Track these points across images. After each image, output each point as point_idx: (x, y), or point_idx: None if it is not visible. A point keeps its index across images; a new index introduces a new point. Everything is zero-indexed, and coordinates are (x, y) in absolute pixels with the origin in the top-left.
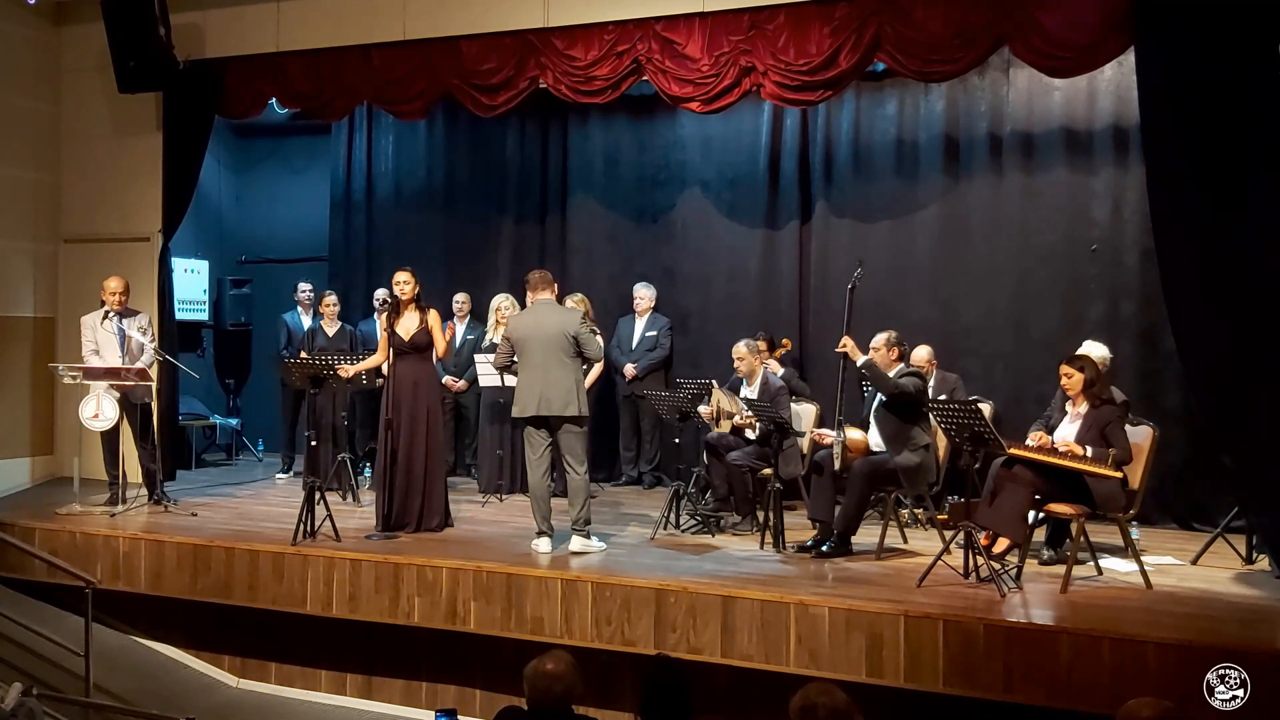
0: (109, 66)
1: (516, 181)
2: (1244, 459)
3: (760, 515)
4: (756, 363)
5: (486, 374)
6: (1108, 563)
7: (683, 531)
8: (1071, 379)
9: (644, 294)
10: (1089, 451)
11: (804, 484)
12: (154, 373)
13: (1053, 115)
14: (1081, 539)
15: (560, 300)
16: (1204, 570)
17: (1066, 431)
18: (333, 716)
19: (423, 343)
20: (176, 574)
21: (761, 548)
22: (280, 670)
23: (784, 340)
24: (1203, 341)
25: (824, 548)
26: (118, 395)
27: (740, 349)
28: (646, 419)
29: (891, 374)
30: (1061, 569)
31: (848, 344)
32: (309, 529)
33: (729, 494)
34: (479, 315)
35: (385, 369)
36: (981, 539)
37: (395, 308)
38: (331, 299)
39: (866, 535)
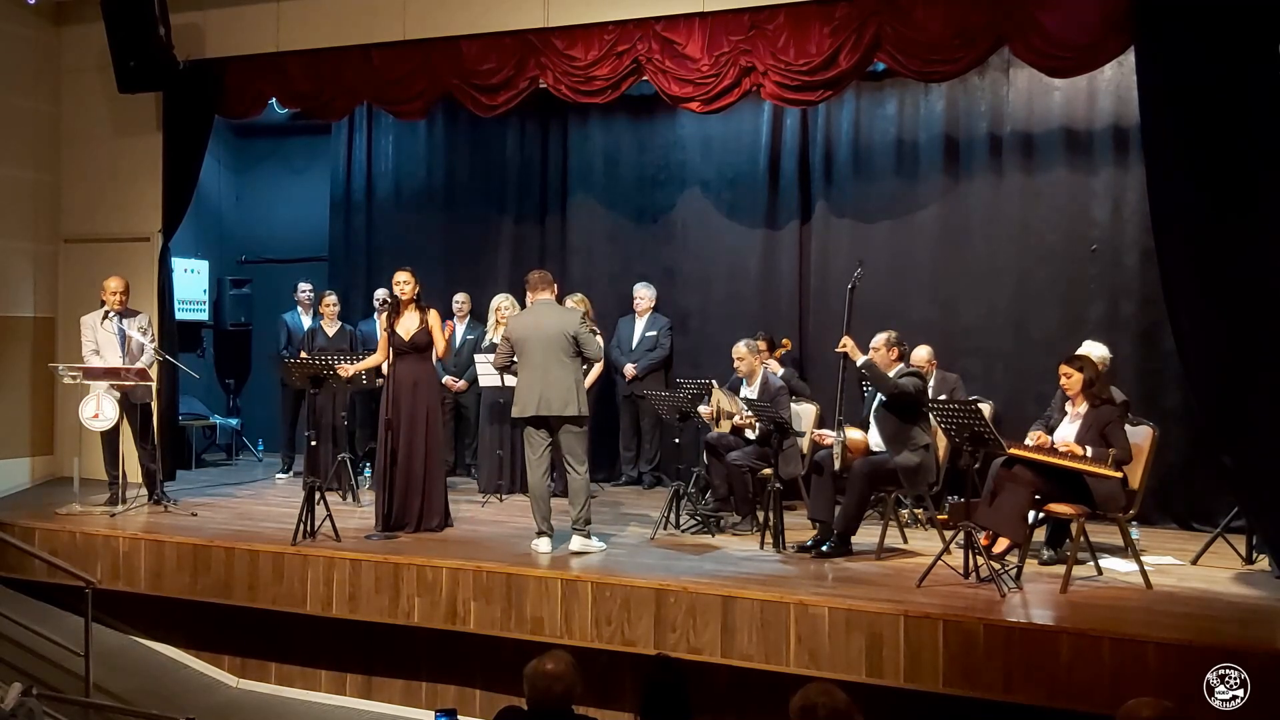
0: (109, 66)
1: (516, 181)
2: (1244, 459)
3: (760, 515)
4: (756, 363)
5: (486, 374)
6: (1108, 563)
7: (683, 531)
8: (1070, 379)
9: (644, 294)
10: (1089, 451)
11: (804, 484)
12: (154, 373)
13: (1053, 115)
14: (1081, 539)
15: (560, 300)
16: (1204, 570)
17: (1066, 431)
18: (333, 716)
19: (423, 343)
20: (176, 574)
21: (761, 548)
22: (280, 670)
23: (784, 340)
24: (1203, 341)
25: (824, 548)
26: (118, 395)
27: (740, 349)
28: (646, 419)
29: (891, 374)
30: (1061, 569)
31: (848, 344)
32: (309, 529)
33: (729, 494)
34: (479, 315)
35: (385, 369)
36: (981, 539)
37: (395, 308)
38: (331, 299)
39: (866, 535)
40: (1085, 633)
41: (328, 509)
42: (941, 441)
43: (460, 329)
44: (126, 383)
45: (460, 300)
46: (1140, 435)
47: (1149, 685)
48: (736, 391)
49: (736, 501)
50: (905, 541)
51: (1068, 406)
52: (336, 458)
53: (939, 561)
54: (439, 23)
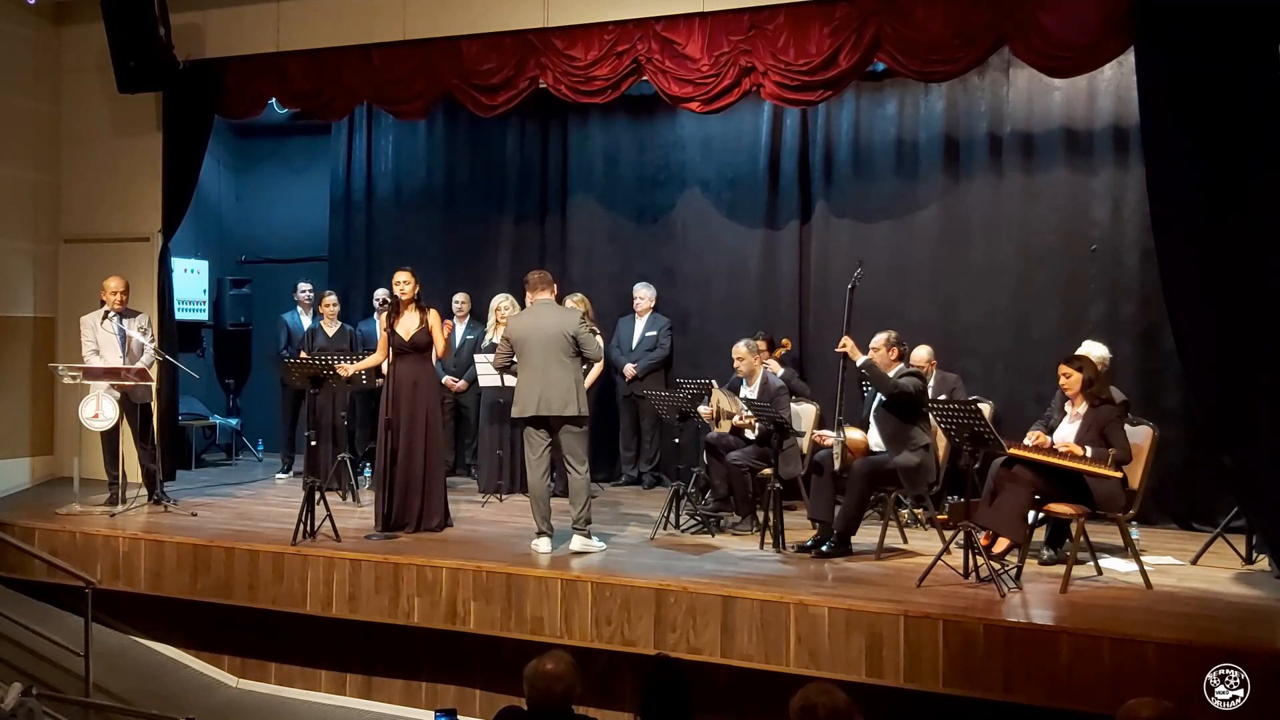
0: (109, 66)
1: (516, 181)
2: (1244, 459)
3: (760, 515)
4: (756, 363)
5: (486, 374)
6: (1108, 563)
7: (683, 531)
8: (1069, 379)
9: (644, 294)
10: (1088, 451)
11: (804, 484)
12: (154, 373)
13: (1053, 115)
14: (1081, 539)
15: (560, 300)
16: (1204, 570)
17: (1066, 432)
18: (333, 716)
19: (422, 342)
20: (176, 574)
21: (761, 548)
22: (280, 670)
23: (784, 340)
24: (1203, 341)
25: (824, 548)
26: (118, 395)
27: (740, 349)
28: (646, 419)
29: (891, 374)
30: (1061, 569)
31: (848, 344)
32: (309, 529)
33: (729, 494)
34: (479, 315)
35: (385, 369)
36: (981, 539)
37: (395, 307)
38: (331, 299)
39: (866, 535)
40: (1085, 633)
41: (328, 509)
42: (941, 441)
43: (460, 329)
44: (126, 383)
45: (460, 300)
46: (1140, 435)
47: (1149, 685)
48: (736, 391)
49: (736, 501)
50: (905, 541)
51: (1067, 407)
52: (336, 458)
53: (939, 561)
54: (439, 23)
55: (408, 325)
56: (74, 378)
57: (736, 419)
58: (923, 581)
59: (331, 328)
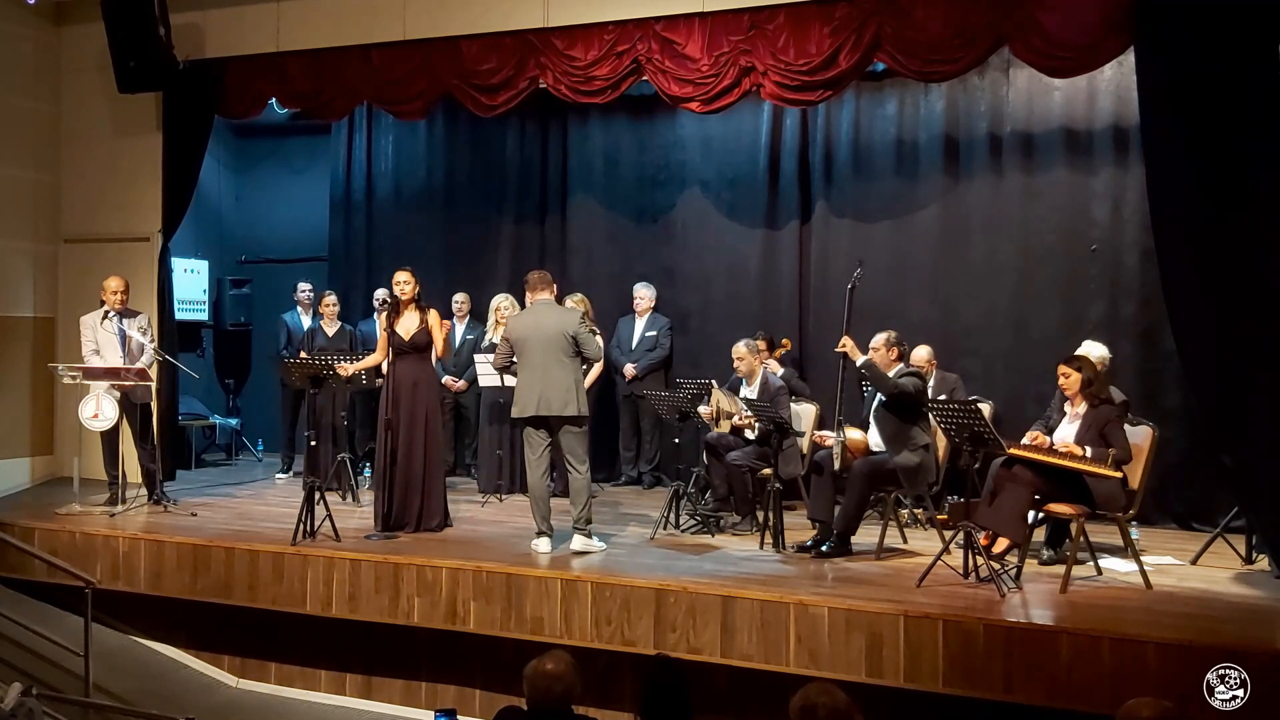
0: (109, 66)
1: (516, 181)
2: (1244, 459)
3: (760, 515)
4: (756, 363)
5: (486, 374)
6: (1107, 563)
7: (683, 531)
8: (1069, 379)
9: (644, 294)
10: (1088, 451)
11: (804, 484)
12: (154, 373)
13: (1053, 115)
14: (1081, 539)
15: (560, 300)
16: (1204, 570)
17: (1066, 432)
18: (333, 716)
19: (422, 342)
20: (176, 574)
21: (761, 548)
22: (280, 670)
23: (784, 340)
24: (1203, 341)
25: (824, 548)
26: (118, 395)
27: (740, 349)
28: (646, 419)
29: (891, 374)
30: (1061, 569)
31: (847, 344)
32: (309, 529)
33: (729, 494)
34: (479, 315)
35: (385, 369)
36: (981, 539)
37: (395, 307)
38: (331, 299)
39: (866, 535)
40: (1085, 633)
41: (327, 509)
42: (941, 441)
43: (460, 329)
44: (126, 383)
45: (460, 300)
46: (1140, 435)
47: (1149, 685)
48: (736, 391)
49: (736, 501)
50: (905, 541)
51: (1067, 407)
52: (336, 458)
53: (939, 561)
54: (439, 23)
55: (408, 325)
56: (74, 378)
57: (736, 419)
58: (923, 581)
59: (331, 328)
